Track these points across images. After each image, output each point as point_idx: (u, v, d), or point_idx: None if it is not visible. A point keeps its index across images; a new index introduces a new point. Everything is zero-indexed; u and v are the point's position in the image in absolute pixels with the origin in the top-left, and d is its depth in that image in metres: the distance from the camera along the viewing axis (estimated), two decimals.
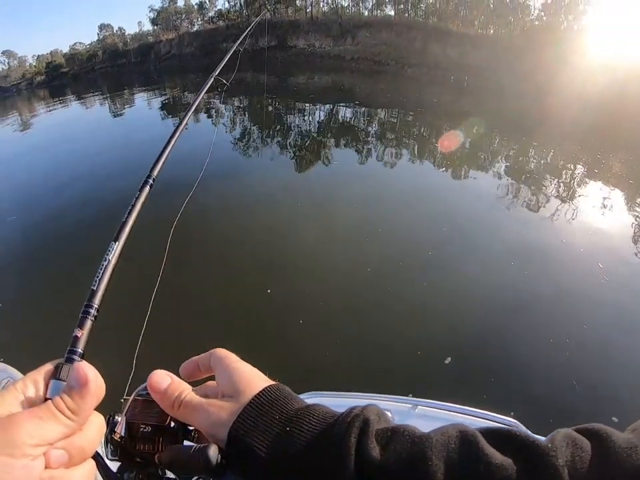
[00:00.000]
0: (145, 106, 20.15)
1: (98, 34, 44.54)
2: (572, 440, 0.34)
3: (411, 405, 1.27)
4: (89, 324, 0.43)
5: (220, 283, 4.23)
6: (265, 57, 27.77)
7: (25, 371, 0.41)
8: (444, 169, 8.02)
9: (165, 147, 0.86)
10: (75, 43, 49.58)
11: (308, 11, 29.17)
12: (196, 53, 33.40)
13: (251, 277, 4.23)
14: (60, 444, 0.33)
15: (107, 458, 0.40)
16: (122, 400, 0.43)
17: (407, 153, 9.10)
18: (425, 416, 1.23)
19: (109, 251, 0.52)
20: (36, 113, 28.47)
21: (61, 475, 0.33)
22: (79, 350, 0.40)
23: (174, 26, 37.11)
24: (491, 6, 22.52)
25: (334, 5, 28.30)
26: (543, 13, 21.36)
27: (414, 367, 2.85)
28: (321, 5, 29.44)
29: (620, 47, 13.68)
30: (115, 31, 43.89)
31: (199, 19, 37.38)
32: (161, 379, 0.41)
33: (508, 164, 8.34)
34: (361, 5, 27.12)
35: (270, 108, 15.12)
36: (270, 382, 0.42)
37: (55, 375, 0.36)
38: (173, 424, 0.42)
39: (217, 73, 1.68)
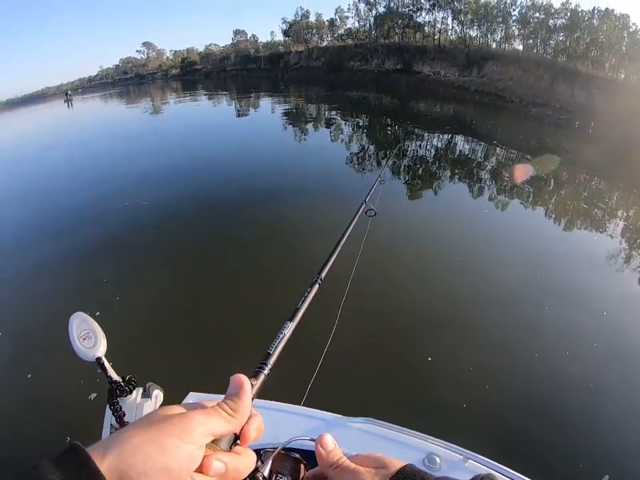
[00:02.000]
0: (268, 110, 21.65)
1: (232, 38, 50.03)
2: None
3: (462, 457, 1.28)
4: (262, 378, 0.53)
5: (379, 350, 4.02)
6: (388, 79, 30.09)
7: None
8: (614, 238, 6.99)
9: (332, 254, 1.05)
10: (210, 44, 55.96)
11: (436, 38, 30.24)
12: (323, 68, 35.94)
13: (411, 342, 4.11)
14: (222, 457, 0.39)
15: None
16: (268, 449, 0.56)
17: (573, 215, 8.03)
18: (473, 472, 1.14)
19: (285, 326, 0.65)
20: (168, 102, 32.33)
21: None
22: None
23: (304, 39, 40.22)
24: (624, 49, 22.14)
25: (462, 34, 28.68)
26: None
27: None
28: (449, 33, 30.18)
29: None
30: (248, 37, 48.92)
31: (329, 35, 39.92)
32: (330, 441, 0.51)
33: None
34: (489, 36, 27.48)
35: (403, 135, 15.19)
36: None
37: None
38: None
39: (367, 198, 1.80)
